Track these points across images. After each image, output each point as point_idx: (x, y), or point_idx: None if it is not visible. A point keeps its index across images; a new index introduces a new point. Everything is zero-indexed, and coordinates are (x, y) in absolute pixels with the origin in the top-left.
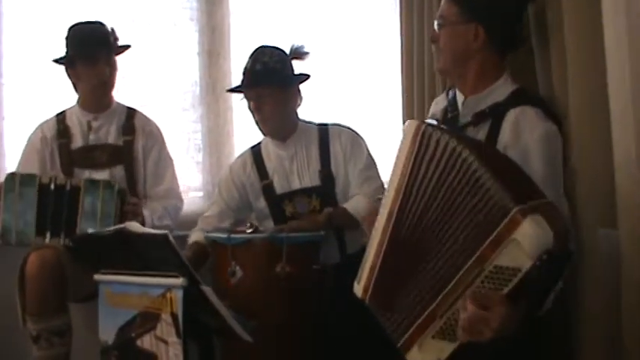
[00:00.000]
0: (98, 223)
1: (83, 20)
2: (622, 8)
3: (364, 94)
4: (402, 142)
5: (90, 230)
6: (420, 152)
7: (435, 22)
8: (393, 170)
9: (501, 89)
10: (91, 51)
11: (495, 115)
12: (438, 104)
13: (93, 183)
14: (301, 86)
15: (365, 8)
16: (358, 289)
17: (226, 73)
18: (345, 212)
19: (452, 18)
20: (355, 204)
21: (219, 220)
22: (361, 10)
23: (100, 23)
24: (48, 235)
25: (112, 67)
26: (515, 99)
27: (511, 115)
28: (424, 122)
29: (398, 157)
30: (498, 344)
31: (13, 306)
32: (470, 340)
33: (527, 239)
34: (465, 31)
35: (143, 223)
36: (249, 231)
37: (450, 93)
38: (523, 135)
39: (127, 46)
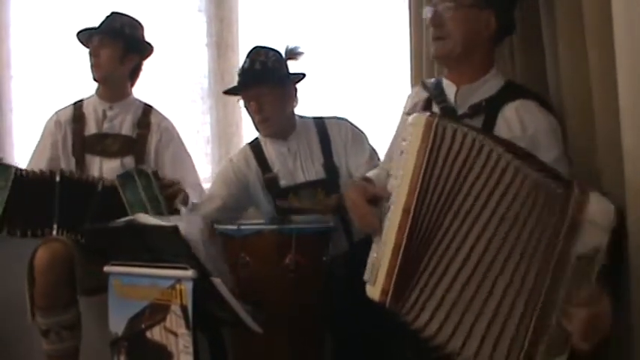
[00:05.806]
0: (149, 209)
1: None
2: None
3: (375, 86)
4: (411, 137)
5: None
6: (434, 146)
7: (441, 5)
8: (401, 166)
9: (493, 81)
10: (96, 29)
11: (489, 109)
12: (417, 96)
13: (126, 176)
14: (310, 79)
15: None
16: (373, 291)
17: (235, 65)
18: None
19: (466, 1)
20: None
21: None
22: (371, 2)
23: (133, 19)
24: (55, 227)
25: (112, 52)
26: (510, 93)
27: (508, 110)
28: (433, 115)
29: (407, 152)
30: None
31: (18, 301)
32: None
33: (601, 214)
34: (478, 17)
35: (187, 199)
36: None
37: (431, 83)
38: (529, 128)
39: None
